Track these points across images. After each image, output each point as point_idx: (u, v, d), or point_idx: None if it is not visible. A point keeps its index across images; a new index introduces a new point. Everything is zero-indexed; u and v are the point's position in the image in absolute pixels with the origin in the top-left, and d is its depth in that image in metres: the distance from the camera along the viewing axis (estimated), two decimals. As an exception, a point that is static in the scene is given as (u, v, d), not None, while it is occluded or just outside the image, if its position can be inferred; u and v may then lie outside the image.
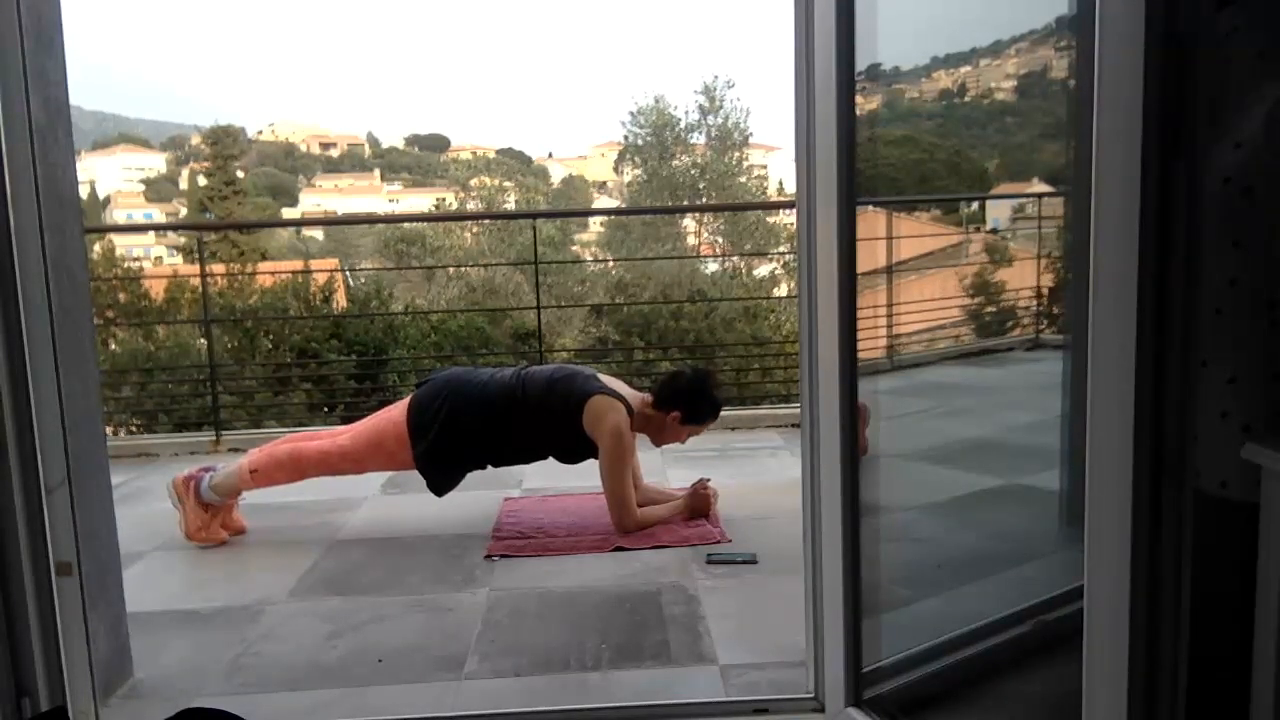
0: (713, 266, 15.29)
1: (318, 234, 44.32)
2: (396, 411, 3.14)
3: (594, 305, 10.71)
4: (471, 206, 22.00)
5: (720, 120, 19.76)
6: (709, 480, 3.22)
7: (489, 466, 3.21)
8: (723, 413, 4.73)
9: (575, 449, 3.09)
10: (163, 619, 2.51)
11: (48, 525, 1.83)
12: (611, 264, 15.86)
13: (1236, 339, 1.24)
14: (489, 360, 6.82)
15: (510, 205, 22.15)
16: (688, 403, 3.12)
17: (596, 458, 3.05)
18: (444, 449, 3.06)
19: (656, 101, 19.90)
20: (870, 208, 2.02)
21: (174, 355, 6.54)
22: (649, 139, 19.92)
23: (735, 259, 15.93)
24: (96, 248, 9.45)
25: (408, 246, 18.37)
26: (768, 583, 2.64)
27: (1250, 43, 1.23)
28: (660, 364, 6.96)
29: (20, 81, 1.77)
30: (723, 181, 19.25)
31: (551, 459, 3.20)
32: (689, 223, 19.71)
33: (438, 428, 3.04)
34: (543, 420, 3.05)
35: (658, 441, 3.23)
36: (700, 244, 19.51)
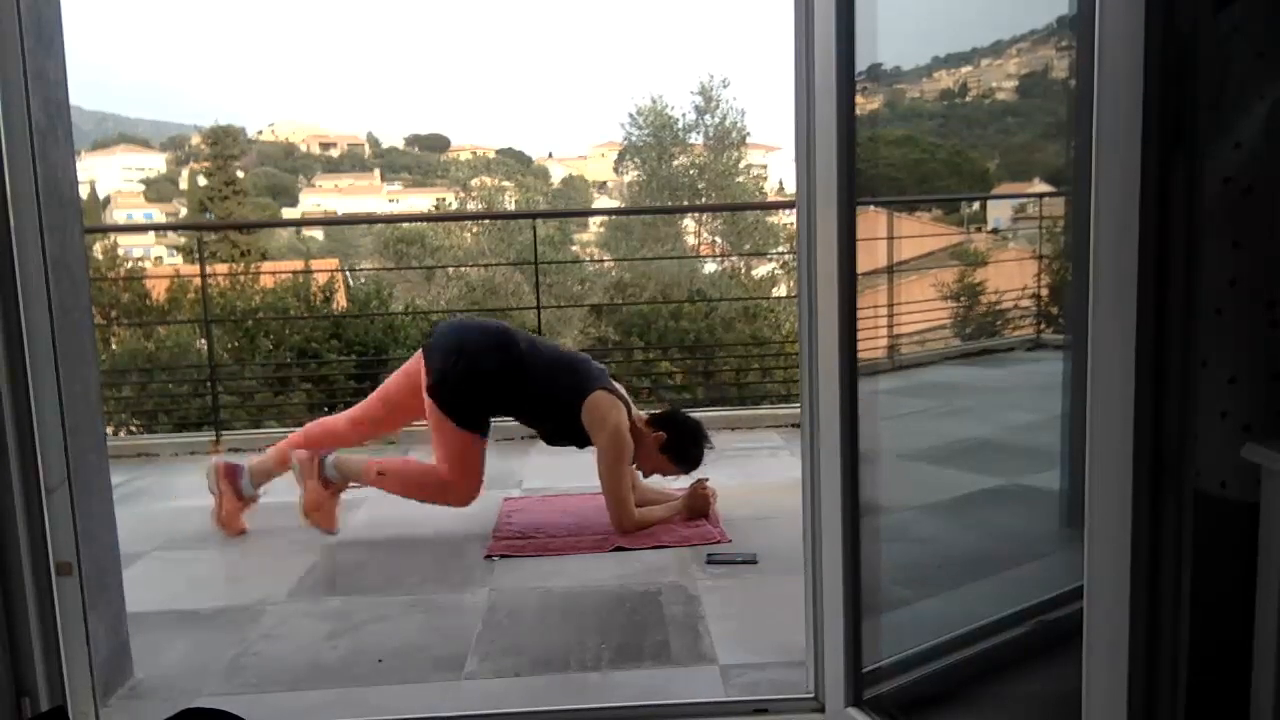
0: (712, 266, 15.29)
1: (318, 234, 44.31)
2: (401, 371, 3.23)
3: (594, 305, 10.69)
4: (471, 206, 21.99)
5: (717, 120, 19.76)
6: (707, 480, 3.22)
7: (504, 414, 3.21)
8: (723, 413, 4.80)
9: (566, 434, 3.11)
10: (163, 619, 2.51)
11: (48, 525, 1.83)
12: (611, 264, 15.86)
13: (1236, 339, 1.24)
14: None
15: (510, 205, 22.13)
16: (675, 431, 3.14)
17: (580, 447, 3.08)
18: (464, 385, 3.07)
19: (654, 102, 19.90)
20: (870, 208, 2.02)
21: (174, 355, 6.53)
22: (648, 139, 19.92)
23: (735, 259, 15.93)
24: (97, 248, 9.44)
25: (408, 246, 18.35)
26: (768, 583, 2.64)
27: (1250, 43, 1.23)
28: (660, 364, 6.95)
29: (20, 81, 1.77)
30: (721, 181, 19.26)
31: (556, 444, 3.22)
32: (689, 223, 19.71)
33: (459, 367, 3.06)
34: (547, 390, 3.08)
35: (635, 460, 3.19)
36: (700, 244, 19.52)
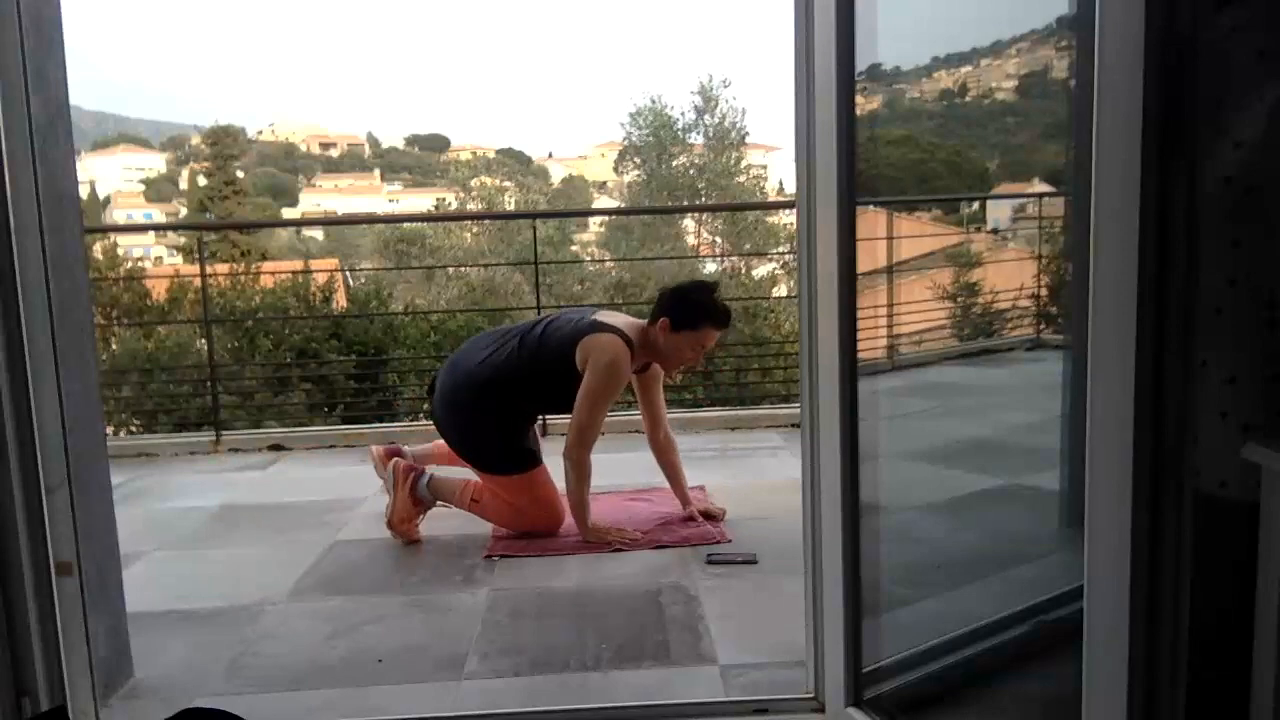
0: (712, 266, 15.30)
1: (318, 234, 44.27)
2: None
3: (593, 305, 10.68)
4: (471, 207, 21.97)
5: (717, 120, 19.77)
6: (701, 505, 3.16)
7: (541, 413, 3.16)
8: (723, 413, 4.79)
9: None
10: (163, 619, 2.51)
11: (48, 525, 1.84)
12: (611, 264, 15.86)
13: (1236, 339, 1.24)
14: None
15: (510, 205, 22.12)
16: (671, 306, 2.97)
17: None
18: (487, 448, 3.06)
19: (653, 102, 19.91)
20: (870, 208, 2.02)
21: (174, 355, 6.53)
22: (648, 139, 19.94)
23: (735, 259, 15.93)
24: (97, 248, 9.43)
25: (408, 246, 18.36)
26: (768, 583, 2.64)
27: (1250, 43, 1.23)
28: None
29: (20, 81, 1.77)
30: (721, 181, 19.27)
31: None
32: (688, 223, 19.72)
33: (471, 440, 3.07)
34: (547, 382, 3.01)
35: (666, 366, 3.08)
36: (700, 244, 19.52)
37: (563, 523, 3.08)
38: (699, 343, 2.99)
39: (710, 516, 3.14)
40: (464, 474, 3.16)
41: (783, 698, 1.96)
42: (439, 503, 3.12)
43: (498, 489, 3.06)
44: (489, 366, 3.03)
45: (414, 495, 3.06)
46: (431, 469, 3.15)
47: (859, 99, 1.71)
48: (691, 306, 2.96)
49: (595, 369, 2.89)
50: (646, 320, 3.04)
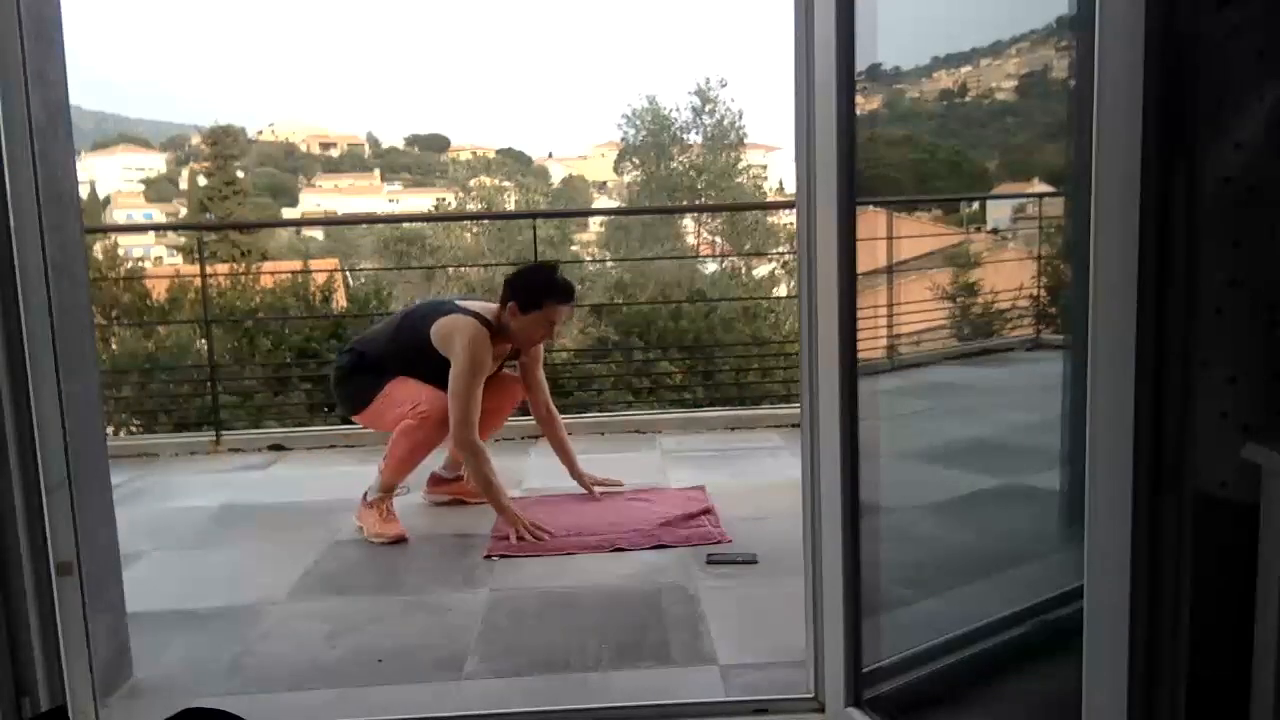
0: (712, 266, 15.32)
1: (318, 234, 44.20)
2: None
3: (594, 305, 10.69)
4: (471, 207, 21.97)
5: (715, 120, 19.78)
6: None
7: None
8: (723, 413, 4.79)
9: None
10: (163, 619, 2.51)
11: (48, 525, 1.84)
12: (611, 264, 15.89)
13: (1236, 339, 1.24)
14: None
15: (510, 205, 22.11)
16: (515, 290, 3.12)
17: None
18: (359, 396, 3.25)
19: (651, 102, 19.94)
20: (870, 208, 2.02)
21: (174, 355, 6.52)
22: (646, 140, 19.96)
23: (735, 259, 15.95)
24: (98, 248, 9.41)
25: (408, 246, 18.39)
26: (768, 583, 2.64)
27: (1250, 43, 1.23)
28: (660, 364, 6.94)
29: (20, 81, 1.77)
30: (720, 182, 19.29)
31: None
32: (688, 223, 19.73)
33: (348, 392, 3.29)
34: (410, 357, 3.14)
35: (523, 345, 3.23)
36: (699, 244, 19.53)
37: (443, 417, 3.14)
38: (548, 320, 3.15)
39: (601, 483, 3.37)
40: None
41: (783, 698, 1.96)
42: (397, 491, 3.22)
43: (385, 425, 3.19)
44: (356, 354, 3.26)
45: (368, 503, 3.17)
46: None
47: (859, 99, 1.71)
48: (533, 288, 3.13)
49: (455, 352, 3.03)
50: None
